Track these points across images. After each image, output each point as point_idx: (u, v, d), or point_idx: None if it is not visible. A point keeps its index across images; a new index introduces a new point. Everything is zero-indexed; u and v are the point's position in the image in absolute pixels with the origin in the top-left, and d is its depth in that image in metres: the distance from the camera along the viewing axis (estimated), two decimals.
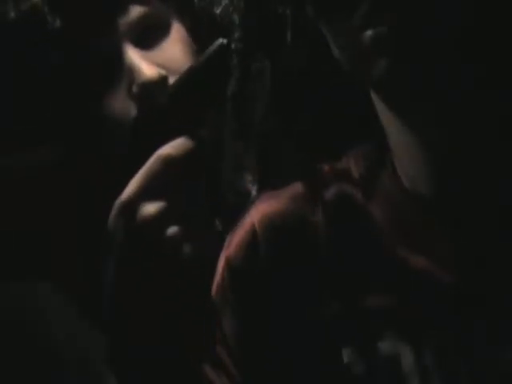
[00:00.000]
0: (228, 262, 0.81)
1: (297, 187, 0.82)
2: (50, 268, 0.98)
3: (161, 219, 0.84)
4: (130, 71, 0.96)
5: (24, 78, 0.97)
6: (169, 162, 0.85)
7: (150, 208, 0.84)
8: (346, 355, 0.74)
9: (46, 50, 0.95)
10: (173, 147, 0.85)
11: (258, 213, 0.81)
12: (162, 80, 0.95)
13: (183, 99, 0.91)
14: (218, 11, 1.03)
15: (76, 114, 0.97)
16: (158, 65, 0.96)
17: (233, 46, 0.90)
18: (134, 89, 0.95)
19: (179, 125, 0.89)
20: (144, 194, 0.84)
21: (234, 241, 0.82)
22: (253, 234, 0.80)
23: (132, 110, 0.96)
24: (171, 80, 0.95)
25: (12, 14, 0.94)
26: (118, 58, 0.97)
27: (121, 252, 0.84)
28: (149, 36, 0.98)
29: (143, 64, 0.95)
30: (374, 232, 0.77)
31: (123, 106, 0.96)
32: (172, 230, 0.84)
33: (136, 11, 0.98)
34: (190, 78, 0.91)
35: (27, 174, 0.98)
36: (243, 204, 1.08)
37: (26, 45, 0.96)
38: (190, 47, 1.02)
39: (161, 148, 0.86)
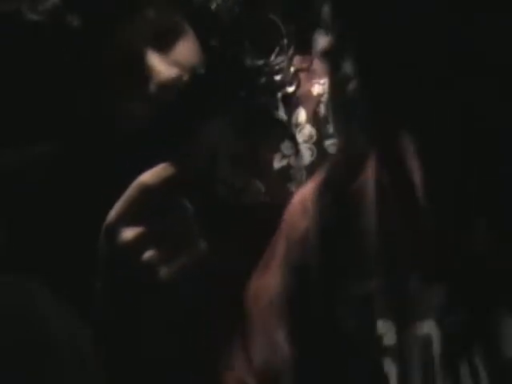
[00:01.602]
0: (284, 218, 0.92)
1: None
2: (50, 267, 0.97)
3: (137, 244, 0.87)
4: (148, 71, 0.97)
5: (38, 77, 0.97)
6: (145, 190, 0.88)
7: (127, 233, 0.87)
8: (381, 326, 0.78)
9: (61, 49, 0.95)
10: (152, 175, 0.88)
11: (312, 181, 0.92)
12: (179, 80, 0.97)
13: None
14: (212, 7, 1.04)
15: (89, 111, 0.98)
16: (174, 64, 0.99)
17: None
18: (152, 88, 0.97)
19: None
20: (124, 220, 0.88)
21: (292, 203, 0.92)
22: (304, 200, 0.90)
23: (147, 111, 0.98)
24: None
25: (29, 15, 0.94)
26: (136, 58, 0.98)
27: (104, 273, 0.89)
28: (165, 37, 1.00)
29: (161, 64, 0.97)
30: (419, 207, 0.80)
31: (138, 106, 0.98)
32: (147, 254, 0.87)
33: (152, 14, 0.99)
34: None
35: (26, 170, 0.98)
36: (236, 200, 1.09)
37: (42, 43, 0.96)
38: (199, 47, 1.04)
39: (142, 174, 0.89)
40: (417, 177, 0.79)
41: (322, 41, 0.80)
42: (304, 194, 0.92)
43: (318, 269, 0.86)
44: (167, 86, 0.97)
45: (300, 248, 0.89)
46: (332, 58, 0.81)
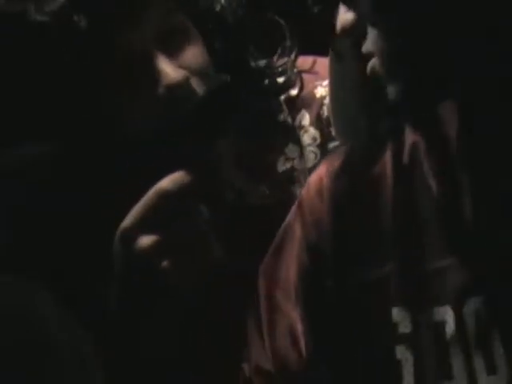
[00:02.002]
0: (300, 199, 0.92)
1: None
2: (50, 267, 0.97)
3: (155, 251, 0.86)
4: (156, 73, 0.97)
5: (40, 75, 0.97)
6: (165, 197, 0.87)
7: (145, 241, 0.86)
8: (396, 314, 0.78)
9: (67, 50, 0.95)
10: (171, 181, 0.88)
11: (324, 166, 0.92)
12: (187, 82, 0.97)
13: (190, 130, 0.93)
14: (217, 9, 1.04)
15: (94, 112, 0.98)
16: (181, 67, 0.98)
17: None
18: (160, 90, 0.97)
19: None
20: (141, 226, 0.87)
21: (308, 184, 0.93)
22: (320, 181, 0.90)
23: (154, 113, 0.97)
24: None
25: (35, 15, 0.94)
26: (143, 60, 0.98)
27: (120, 278, 0.88)
28: (172, 39, 1.00)
29: (168, 67, 0.97)
30: (432, 192, 0.81)
31: (145, 107, 0.98)
32: (166, 260, 0.86)
33: (159, 16, 0.99)
34: (195, 111, 0.94)
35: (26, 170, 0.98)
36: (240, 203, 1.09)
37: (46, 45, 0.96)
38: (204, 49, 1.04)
39: (160, 180, 0.88)
40: (456, 143, 0.79)
41: (345, 16, 0.79)
42: (320, 176, 0.92)
43: (332, 253, 0.86)
44: (175, 89, 0.97)
45: (315, 230, 0.89)
46: (356, 33, 0.81)
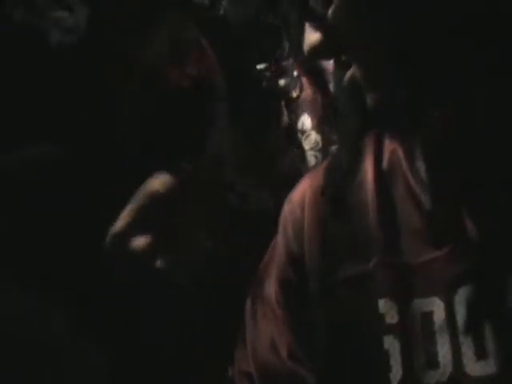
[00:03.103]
0: (283, 216, 0.92)
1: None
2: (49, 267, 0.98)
3: (149, 252, 0.88)
4: (165, 83, 0.98)
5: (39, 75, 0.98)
6: (155, 198, 0.88)
7: (139, 242, 0.87)
8: (382, 306, 0.79)
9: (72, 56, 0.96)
10: (161, 182, 0.89)
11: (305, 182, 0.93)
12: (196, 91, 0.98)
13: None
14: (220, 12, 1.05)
15: (89, 113, 0.99)
16: (191, 77, 0.99)
17: None
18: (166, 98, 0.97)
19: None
20: (133, 228, 0.88)
21: (290, 200, 0.93)
22: (302, 196, 0.91)
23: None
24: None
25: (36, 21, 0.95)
26: (153, 71, 0.98)
27: (115, 280, 0.89)
28: (181, 50, 1.00)
29: (178, 76, 0.98)
30: (412, 189, 0.82)
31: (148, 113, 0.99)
32: (160, 260, 0.88)
33: (173, 30, 1.00)
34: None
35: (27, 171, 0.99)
36: (242, 205, 1.09)
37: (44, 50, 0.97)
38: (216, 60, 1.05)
39: (148, 182, 0.89)
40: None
41: (312, 37, 0.80)
42: (302, 191, 0.93)
43: (317, 259, 0.86)
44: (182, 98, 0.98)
45: (297, 243, 0.90)
46: (325, 54, 0.81)
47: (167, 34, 0.99)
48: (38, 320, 0.90)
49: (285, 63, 1.11)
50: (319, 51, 0.79)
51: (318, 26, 0.77)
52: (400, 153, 0.84)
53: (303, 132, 1.16)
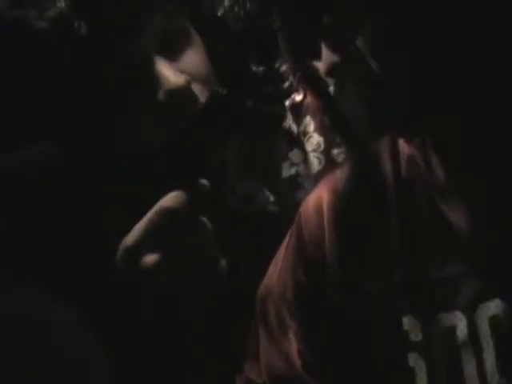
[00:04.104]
0: (297, 219, 0.92)
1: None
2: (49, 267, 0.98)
3: (162, 268, 0.87)
4: (156, 78, 0.96)
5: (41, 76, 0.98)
6: (167, 214, 0.87)
7: (151, 258, 0.86)
8: (406, 323, 0.79)
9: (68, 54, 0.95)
10: (172, 199, 0.88)
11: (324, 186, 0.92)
12: (188, 87, 0.96)
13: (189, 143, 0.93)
14: (219, 14, 1.05)
15: (90, 114, 0.98)
16: (182, 71, 0.97)
17: None
18: (161, 96, 0.96)
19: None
20: (145, 244, 0.87)
21: (306, 203, 0.93)
22: (319, 201, 0.91)
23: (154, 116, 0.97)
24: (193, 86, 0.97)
25: (36, 21, 0.95)
26: (144, 65, 0.97)
27: (127, 295, 0.89)
28: (173, 43, 0.99)
29: (169, 71, 0.96)
30: (436, 201, 0.82)
31: (145, 112, 0.97)
32: (172, 276, 0.87)
33: (160, 20, 0.98)
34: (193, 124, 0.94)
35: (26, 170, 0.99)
36: (245, 209, 1.09)
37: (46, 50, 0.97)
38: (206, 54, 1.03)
39: (162, 199, 0.88)
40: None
41: (329, 58, 0.80)
42: (319, 195, 0.92)
43: (338, 268, 0.86)
44: (175, 93, 0.96)
45: (314, 248, 0.89)
46: (341, 75, 0.81)
47: (155, 24, 0.97)
48: (38, 320, 0.90)
49: (286, 66, 1.10)
50: (335, 73, 0.79)
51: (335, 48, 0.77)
52: (418, 160, 0.84)
53: (306, 134, 1.16)
